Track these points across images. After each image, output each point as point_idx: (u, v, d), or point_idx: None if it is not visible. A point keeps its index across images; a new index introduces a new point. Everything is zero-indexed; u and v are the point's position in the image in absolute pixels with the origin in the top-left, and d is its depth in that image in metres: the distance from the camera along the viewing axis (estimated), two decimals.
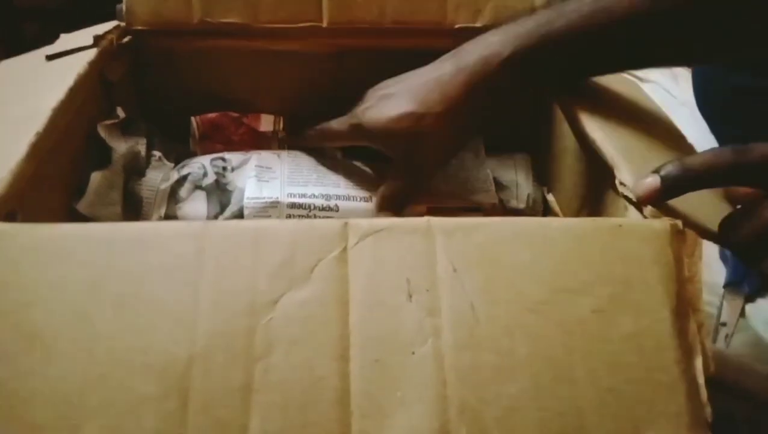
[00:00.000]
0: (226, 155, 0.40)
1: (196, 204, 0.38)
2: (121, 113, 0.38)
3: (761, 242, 0.25)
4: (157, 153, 0.39)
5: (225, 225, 0.25)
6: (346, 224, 0.24)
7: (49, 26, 0.39)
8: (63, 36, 0.39)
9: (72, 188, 0.35)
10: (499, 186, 0.42)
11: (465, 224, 0.25)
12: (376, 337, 0.23)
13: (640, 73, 0.70)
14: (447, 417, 0.22)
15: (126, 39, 0.40)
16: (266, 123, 0.45)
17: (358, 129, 0.37)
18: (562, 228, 0.25)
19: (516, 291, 0.24)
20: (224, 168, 0.39)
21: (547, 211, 0.44)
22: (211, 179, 0.38)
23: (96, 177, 0.35)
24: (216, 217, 0.37)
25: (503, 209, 0.41)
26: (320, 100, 0.43)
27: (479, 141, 0.43)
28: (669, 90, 0.65)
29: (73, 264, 0.23)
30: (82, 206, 0.34)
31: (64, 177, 0.34)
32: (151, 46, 0.41)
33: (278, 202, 0.37)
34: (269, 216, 0.37)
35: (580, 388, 0.23)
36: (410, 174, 0.37)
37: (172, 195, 0.38)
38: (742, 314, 0.49)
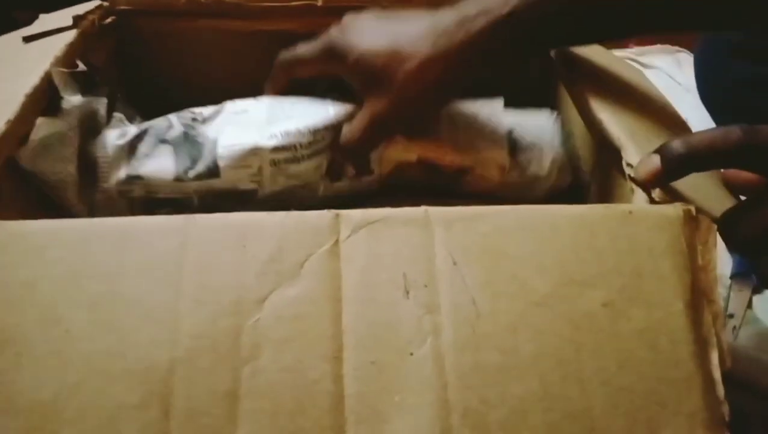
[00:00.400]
0: (196, 109, 0.35)
1: (161, 160, 0.32)
2: (81, 66, 0.34)
3: (765, 239, 0.24)
4: (118, 114, 0.34)
5: (208, 218, 0.23)
6: (337, 215, 0.23)
7: (41, 13, 0.38)
8: (42, 16, 0.37)
9: None
10: (519, 147, 0.37)
11: (465, 214, 0.24)
12: (371, 337, 0.21)
13: (644, 59, 0.69)
14: (449, 421, 0.21)
15: (109, 20, 0.38)
16: None
17: (329, 52, 0.33)
18: (569, 216, 0.24)
19: (520, 285, 0.23)
20: (194, 119, 0.34)
21: (575, 186, 0.39)
22: (177, 130, 0.33)
23: (42, 124, 0.30)
24: (186, 172, 0.32)
25: (519, 174, 0.37)
26: (315, 83, 0.42)
27: (498, 95, 0.39)
28: (673, 76, 0.64)
29: (45, 262, 0.22)
30: (24, 157, 0.29)
31: None
32: (136, 28, 0.40)
33: (258, 148, 0.32)
34: (249, 167, 0.32)
35: (590, 388, 0.21)
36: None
37: (132, 152, 0.32)
38: (750, 305, 0.48)
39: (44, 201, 0.31)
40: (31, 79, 0.29)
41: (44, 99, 0.30)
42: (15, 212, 0.28)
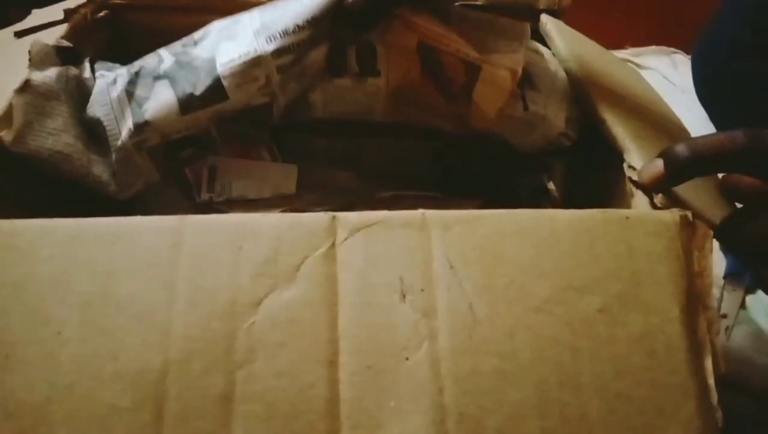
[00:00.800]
0: (185, 38, 0.32)
1: (162, 97, 0.30)
2: (65, 43, 0.33)
3: (765, 244, 0.24)
4: (100, 70, 0.32)
5: (203, 219, 0.23)
6: (334, 217, 0.23)
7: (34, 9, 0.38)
8: (35, 11, 0.36)
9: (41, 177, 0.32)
10: (530, 81, 0.34)
11: (463, 217, 0.23)
12: (367, 341, 0.21)
13: (639, 60, 0.70)
14: (445, 427, 0.20)
15: (102, 14, 0.38)
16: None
17: None
18: (568, 220, 0.24)
19: (518, 289, 0.22)
20: (184, 45, 0.31)
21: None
22: (169, 62, 0.31)
23: (18, 105, 0.28)
24: (189, 100, 0.30)
25: (524, 108, 0.34)
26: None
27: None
28: (668, 77, 0.64)
29: (36, 261, 0.22)
30: (11, 142, 0.28)
31: (33, 166, 0.32)
32: (129, 22, 0.39)
33: (259, 56, 0.30)
34: (257, 79, 0.30)
35: (586, 394, 0.21)
36: None
37: (130, 99, 0.30)
38: (743, 305, 0.48)
39: (38, 199, 0.31)
40: (21, 75, 0.29)
41: None
42: (6, 210, 0.27)
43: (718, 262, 0.50)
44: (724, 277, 0.50)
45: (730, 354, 0.44)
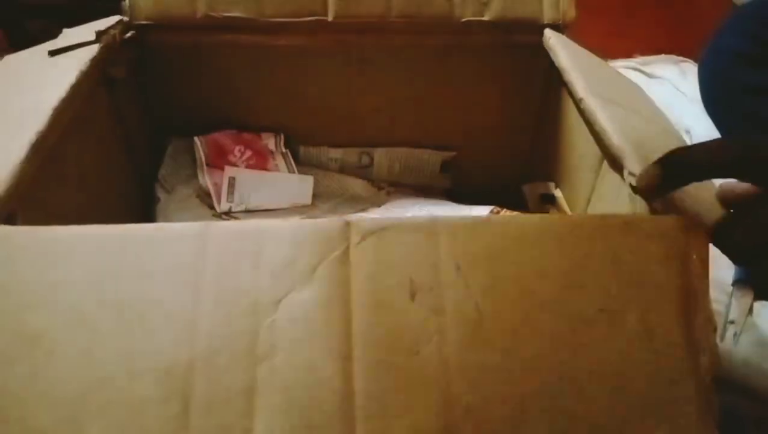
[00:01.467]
0: None
1: None
2: None
3: (758, 247, 0.25)
4: None
5: (226, 225, 0.24)
6: (348, 223, 0.24)
7: (54, 23, 0.39)
8: (65, 31, 0.38)
9: (74, 188, 0.34)
10: None
11: (469, 222, 0.25)
12: (379, 337, 0.23)
13: (648, 69, 0.70)
14: (452, 418, 0.22)
15: (129, 34, 0.40)
16: (267, 141, 0.45)
17: None
18: (570, 225, 0.25)
19: (521, 289, 0.24)
20: None
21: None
22: None
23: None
24: None
25: None
26: (322, 96, 0.43)
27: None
28: (678, 87, 0.64)
29: (73, 266, 0.23)
30: None
31: (67, 177, 0.34)
32: (154, 42, 0.41)
33: None
34: None
35: (587, 388, 0.22)
36: None
37: None
38: (751, 312, 0.48)
39: (75, 208, 0.33)
40: (58, 92, 0.31)
41: (71, 111, 0.31)
42: (46, 219, 0.29)
43: (727, 268, 0.50)
44: (733, 283, 0.50)
45: (736, 360, 0.44)
